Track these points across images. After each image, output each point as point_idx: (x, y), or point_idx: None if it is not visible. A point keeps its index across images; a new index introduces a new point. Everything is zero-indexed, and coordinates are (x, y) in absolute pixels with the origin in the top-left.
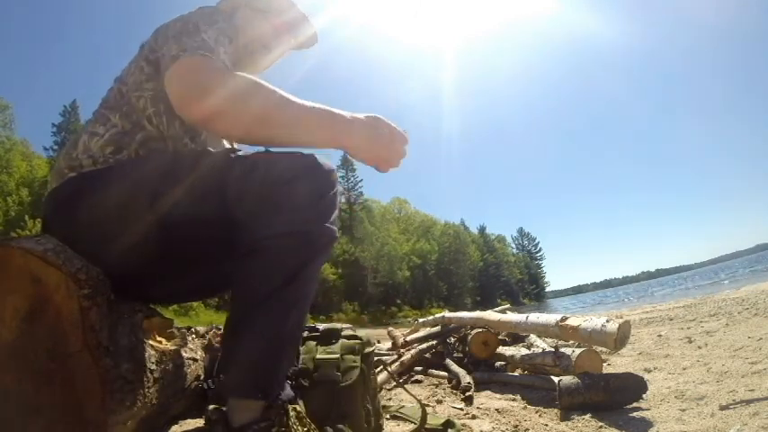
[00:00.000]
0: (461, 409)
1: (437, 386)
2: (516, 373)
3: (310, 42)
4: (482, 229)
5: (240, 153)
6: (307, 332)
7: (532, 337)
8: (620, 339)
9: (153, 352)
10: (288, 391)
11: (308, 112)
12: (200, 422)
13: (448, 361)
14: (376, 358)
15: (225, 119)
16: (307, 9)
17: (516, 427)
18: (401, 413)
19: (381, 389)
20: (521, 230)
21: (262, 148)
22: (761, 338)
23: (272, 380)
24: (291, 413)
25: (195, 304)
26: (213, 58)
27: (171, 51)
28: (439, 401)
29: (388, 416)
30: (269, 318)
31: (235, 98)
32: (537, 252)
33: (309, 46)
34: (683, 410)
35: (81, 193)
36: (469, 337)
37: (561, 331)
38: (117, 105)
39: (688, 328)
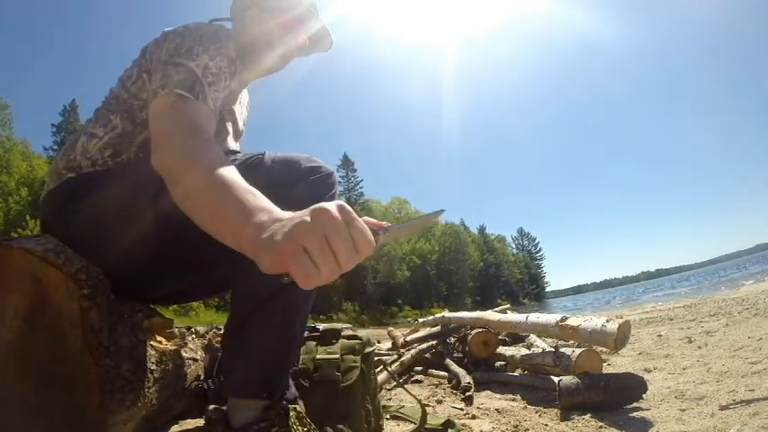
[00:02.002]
0: (461, 409)
1: (437, 386)
2: (516, 373)
3: (325, 46)
4: (482, 229)
5: (239, 155)
6: (307, 332)
7: (532, 337)
8: (620, 339)
9: (153, 352)
10: (292, 391)
11: (217, 205)
12: (200, 422)
13: (448, 361)
14: (376, 358)
15: (167, 182)
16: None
17: (516, 427)
18: (401, 413)
19: (381, 389)
20: (521, 230)
21: (263, 152)
22: (761, 338)
23: (277, 380)
24: (291, 413)
25: (195, 304)
26: (185, 101)
27: (155, 82)
28: (439, 401)
29: (388, 416)
30: (271, 319)
31: (171, 171)
32: (537, 252)
33: (325, 49)
34: (683, 410)
35: (81, 194)
36: (469, 337)
37: (561, 331)
38: (118, 108)
39: (688, 328)
